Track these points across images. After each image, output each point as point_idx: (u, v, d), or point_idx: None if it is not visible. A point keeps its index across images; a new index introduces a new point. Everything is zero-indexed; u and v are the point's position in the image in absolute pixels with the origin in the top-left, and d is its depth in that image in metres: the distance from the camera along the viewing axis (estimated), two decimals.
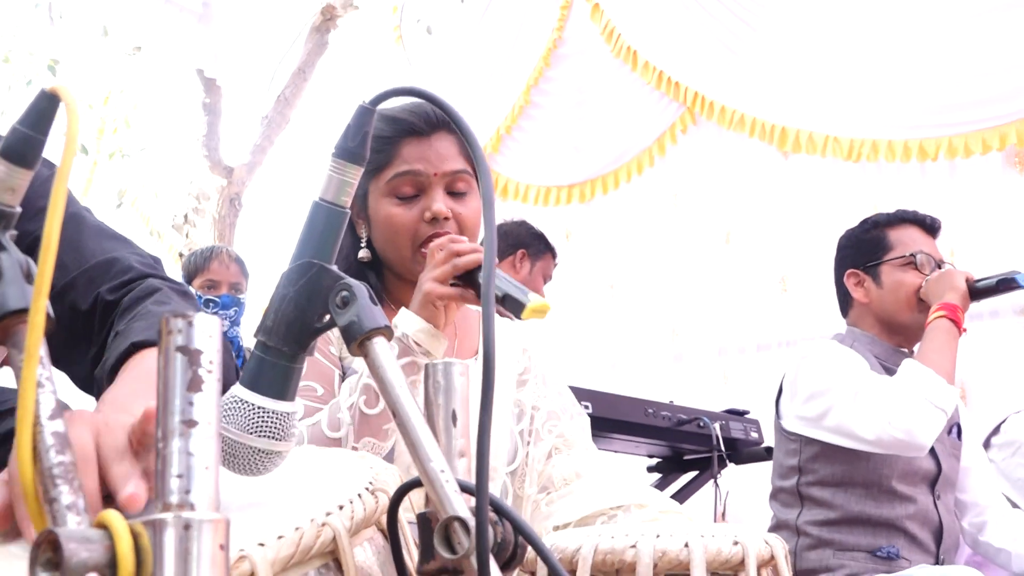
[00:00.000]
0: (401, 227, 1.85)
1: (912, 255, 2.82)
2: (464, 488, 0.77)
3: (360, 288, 0.85)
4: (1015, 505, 3.12)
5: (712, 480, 3.68)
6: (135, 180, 7.51)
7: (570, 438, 2.04)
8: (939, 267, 2.85)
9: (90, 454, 0.86)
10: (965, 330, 2.69)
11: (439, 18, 6.23)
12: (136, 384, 1.10)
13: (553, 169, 5.73)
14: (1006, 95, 4.37)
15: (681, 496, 3.94)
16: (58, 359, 1.34)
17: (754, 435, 3.93)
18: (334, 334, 1.90)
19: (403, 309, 1.75)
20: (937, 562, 2.74)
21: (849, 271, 2.92)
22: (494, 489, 1.93)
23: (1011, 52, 4.35)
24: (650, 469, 4.12)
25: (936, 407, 2.51)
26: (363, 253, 1.93)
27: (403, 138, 1.89)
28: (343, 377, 1.88)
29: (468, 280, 1.67)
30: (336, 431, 1.71)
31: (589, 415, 3.53)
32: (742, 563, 1.18)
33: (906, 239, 2.86)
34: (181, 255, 5.89)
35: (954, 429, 2.88)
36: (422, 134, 1.89)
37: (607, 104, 5.56)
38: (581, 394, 3.43)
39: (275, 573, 0.77)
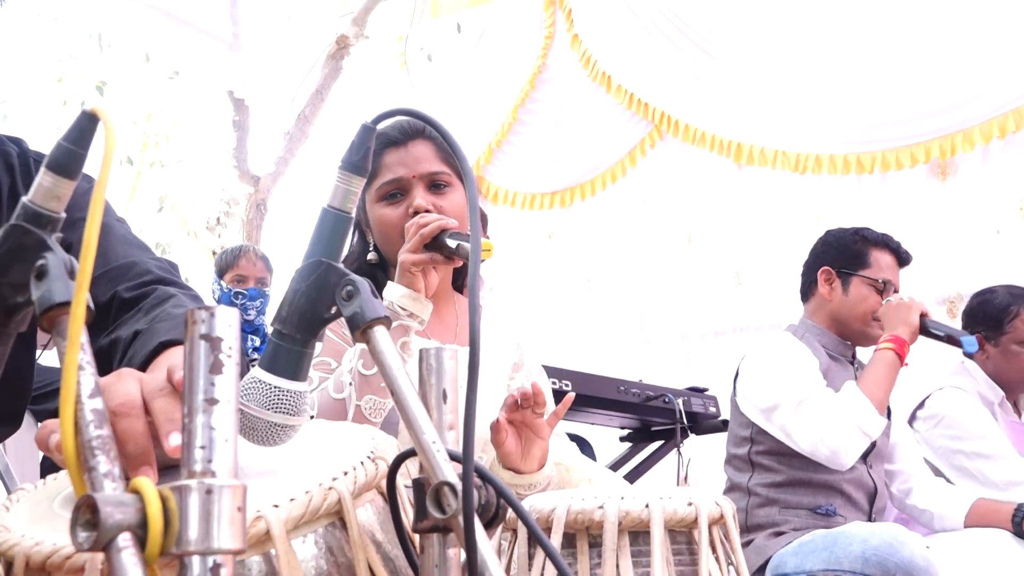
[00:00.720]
0: (390, 225, 1.87)
1: (882, 281, 2.81)
2: (453, 457, 0.77)
3: (363, 283, 0.85)
4: (937, 470, 3.14)
5: (675, 449, 3.68)
6: (174, 187, 7.50)
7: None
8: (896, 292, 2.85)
9: (136, 399, 0.87)
10: (907, 364, 2.69)
11: (438, 47, 6.22)
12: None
13: (537, 178, 5.72)
14: (929, 115, 4.39)
15: (649, 462, 3.95)
16: None
17: (712, 410, 3.94)
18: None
19: (389, 282, 1.77)
20: (869, 519, 2.75)
21: (824, 268, 2.91)
22: (484, 462, 1.93)
23: (932, 80, 4.36)
24: (622, 439, 4.13)
25: (864, 433, 2.54)
26: (371, 256, 1.95)
27: (384, 149, 1.90)
28: None
29: (435, 246, 1.71)
30: (340, 392, 1.72)
31: (567, 392, 3.55)
32: (695, 521, 1.18)
33: (882, 263, 2.85)
34: (214, 253, 5.88)
35: (885, 411, 2.89)
36: (399, 143, 1.91)
37: (585, 122, 5.55)
38: (562, 374, 3.44)
39: (287, 531, 0.77)
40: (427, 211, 1.84)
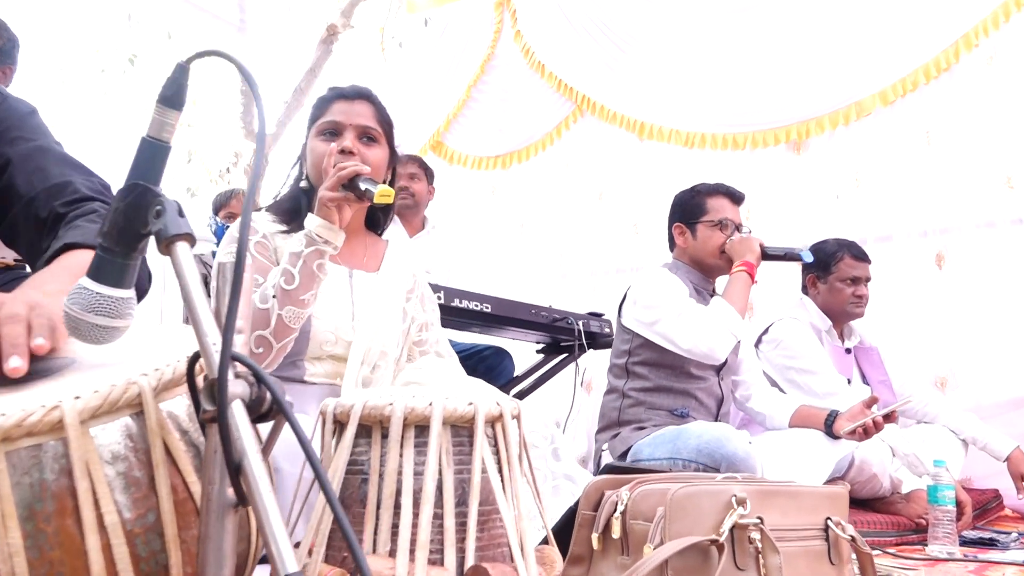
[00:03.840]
0: (320, 155, 1.79)
1: (719, 220, 2.76)
2: (235, 357, 0.66)
3: (171, 203, 0.74)
4: (774, 383, 3.10)
5: (574, 361, 3.63)
6: (199, 143, 7.24)
7: (443, 351, 2.00)
8: (738, 229, 2.80)
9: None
10: (756, 281, 2.66)
11: (409, 36, 6.01)
12: (54, 272, 0.99)
13: (484, 144, 5.59)
14: (790, 105, 4.32)
15: (555, 369, 3.88)
16: (28, 253, 1.23)
17: (607, 330, 3.86)
18: (270, 243, 1.79)
19: (310, 214, 1.71)
20: (716, 421, 2.71)
21: (676, 223, 2.88)
22: (387, 368, 1.84)
23: (792, 76, 4.28)
24: (538, 351, 4.04)
25: (732, 334, 2.52)
26: (304, 183, 1.86)
27: (335, 100, 1.84)
28: None
29: (350, 187, 1.66)
30: (265, 304, 1.64)
31: (490, 314, 3.45)
32: (501, 416, 1.09)
33: (717, 206, 2.79)
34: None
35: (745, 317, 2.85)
36: (348, 98, 1.87)
37: (523, 101, 5.42)
38: (484, 298, 3.34)
39: (85, 419, 0.66)
40: (351, 153, 1.76)
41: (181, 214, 0.73)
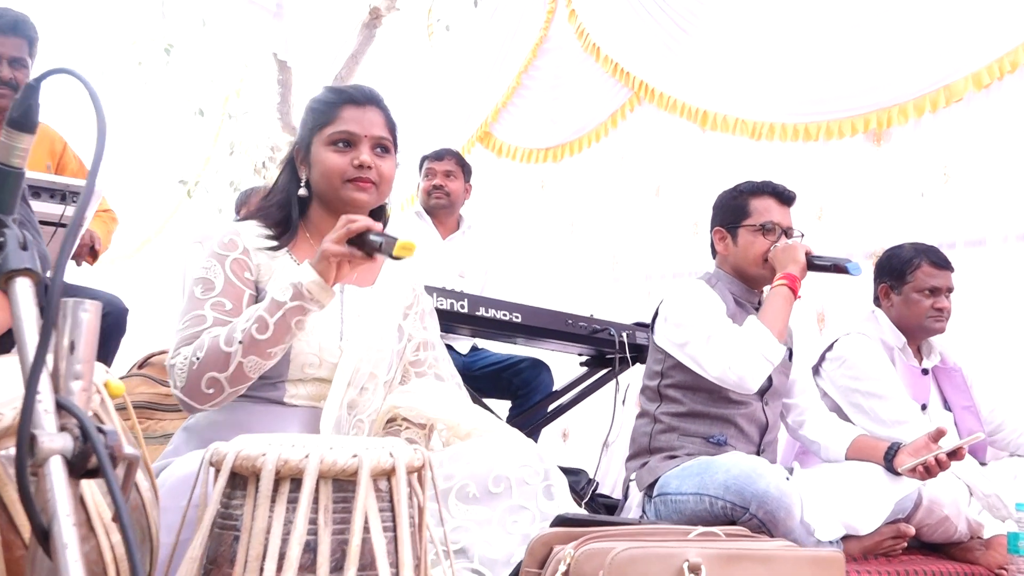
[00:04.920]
0: (336, 167, 1.78)
1: (763, 224, 2.66)
2: (61, 404, 0.64)
3: (13, 235, 0.72)
4: (838, 407, 2.98)
5: (614, 377, 3.56)
6: (243, 135, 7.39)
7: (443, 373, 1.98)
8: (786, 234, 2.69)
9: None
10: (800, 296, 2.54)
11: (457, 19, 6.02)
12: None
13: (534, 135, 5.56)
14: (869, 90, 4.14)
15: (600, 383, 3.81)
16: None
17: None
18: (252, 261, 1.80)
19: (305, 262, 1.68)
20: (759, 451, 2.61)
21: (716, 228, 2.80)
22: (376, 391, 1.82)
23: (872, 58, 4.11)
24: (581, 364, 3.99)
25: (766, 360, 2.40)
26: (302, 191, 1.84)
27: (344, 104, 1.82)
28: (254, 298, 1.79)
29: (359, 243, 1.62)
30: (229, 347, 1.63)
31: (520, 324, 3.41)
32: (394, 470, 1.04)
33: (762, 208, 2.68)
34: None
35: (787, 352, 2.74)
36: (359, 103, 1.85)
37: (576, 88, 5.37)
38: (514, 308, 3.31)
39: None
40: (369, 167, 1.77)
41: (25, 247, 0.71)
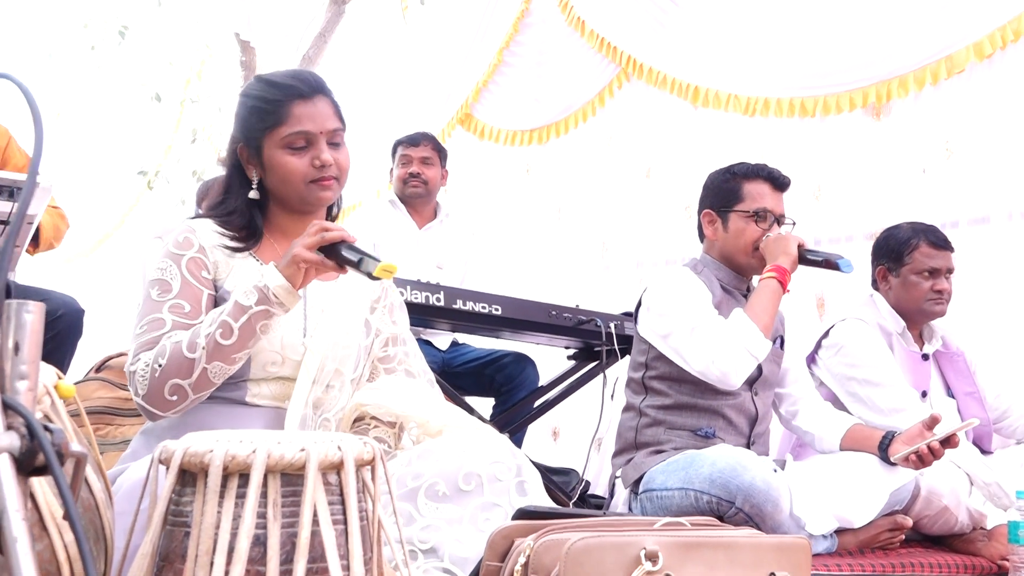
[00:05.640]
0: (296, 171, 1.81)
1: (756, 211, 2.69)
2: (8, 404, 0.69)
3: None
4: (834, 395, 3.04)
5: (602, 370, 3.60)
6: (206, 121, 7.40)
7: (413, 369, 2.02)
8: (779, 222, 2.73)
9: None
10: (789, 291, 2.57)
11: None
12: None
13: (518, 116, 5.57)
14: (865, 64, 4.18)
15: (588, 377, 3.85)
16: None
17: None
18: (209, 258, 1.83)
19: (271, 264, 1.72)
20: (749, 443, 2.66)
21: (706, 211, 2.84)
22: (342, 388, 1.87)
23: (871, 29, 4.14)
24: (569, 358, 4.04)
25: (751, 355, 2.43)
26: (253, 193, 1.87)
27: (292, 100, 1.83)
28: (213, 297, 1.83)
29: (330, 252, 1.67)
30: (192, 353, 1.66)
31: (500, 316, 3.45)
32: (342, 463, 1.10)
33: (756, 193, 2.71)
34: None
35: (778, 340, 2.79)
36: (306, 97, 1.85)
37: (561, 64, 5.38)
38: (494, 300, 3.35)
39: None
40: (329, 165, 1.81)
41: None
